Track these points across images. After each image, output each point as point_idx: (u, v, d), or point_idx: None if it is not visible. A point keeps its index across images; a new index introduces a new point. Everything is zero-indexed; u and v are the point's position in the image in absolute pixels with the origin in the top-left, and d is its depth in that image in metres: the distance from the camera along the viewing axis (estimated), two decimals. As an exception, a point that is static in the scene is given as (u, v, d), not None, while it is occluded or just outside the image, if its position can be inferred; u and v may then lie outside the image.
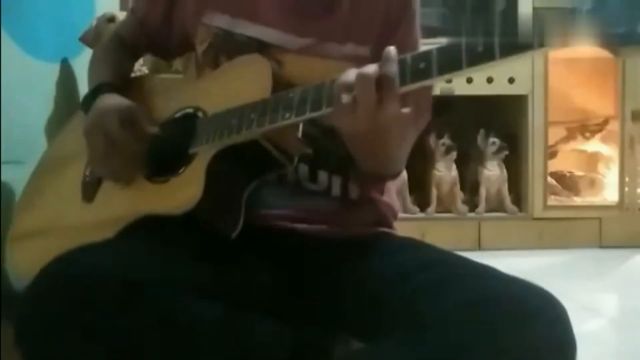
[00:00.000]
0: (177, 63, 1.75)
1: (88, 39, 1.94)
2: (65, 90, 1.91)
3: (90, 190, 1.12)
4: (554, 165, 3.27)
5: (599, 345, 1.78)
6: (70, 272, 0.82)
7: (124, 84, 1.17)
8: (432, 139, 3.05)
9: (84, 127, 1.08)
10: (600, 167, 3.31)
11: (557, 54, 2.79)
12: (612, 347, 1.85)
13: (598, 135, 3.27)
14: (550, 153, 3.19)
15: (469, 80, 2.88)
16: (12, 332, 0.82)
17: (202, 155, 0.97)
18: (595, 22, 0.75)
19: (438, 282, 0.86)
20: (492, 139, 3.08)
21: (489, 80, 2.93)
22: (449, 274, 0.89)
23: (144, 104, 1.13)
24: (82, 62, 1.79)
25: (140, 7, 1.24)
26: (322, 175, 1.06)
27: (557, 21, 0.77)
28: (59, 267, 0.84)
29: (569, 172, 3.33)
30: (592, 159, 3.33)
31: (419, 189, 3.16)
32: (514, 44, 0.76)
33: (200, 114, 1.04)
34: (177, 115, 1.08)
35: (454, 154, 3.06)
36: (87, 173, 1.13)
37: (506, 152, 3.09)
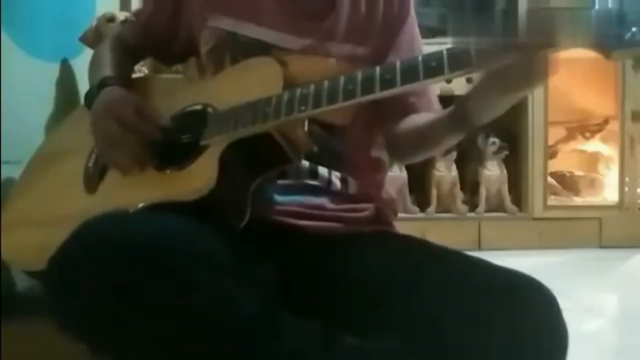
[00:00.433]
0: (178, 63, 1.75)
1: (88, 39, 1.94)
2: (65, 90, 1.91)
3: (93, 181, 1.12)
4: (554, 165, 3.27)
5: (599, 345, 1.77)
6: (111, 236, 0.82)
7: (126, 84, 1.17)
8: (432, 139, 3.04)
9: (93, 114, 1.09)
10: (600, 167, 3.31)
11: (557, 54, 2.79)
12: (612, 347, 1.85)
13: (598, 135, 3.27)
14: (550, 153, 3.19)
15: (469, 80, 2.88)
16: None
17: (214, 147, 0.98)
18: (587, 25, 0.76)
19: (436, 278, 0.89)
20: (492, 139, 3.08)
21: (489, 80, 2.92)
22: (447, 269, 0.92)
23: (147, 103, 1.14)
24: (82, 62, 1.79)
25: (145, 11, 1.26)
26: (323, 171, 1.08)
27: (551, 22, 0.78)
28: (96, 228, 0.84)
29: (569, 172, 3.33)
30: (592, 159, 3.33)
31: (419, 189, 3.16)
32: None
33: (210, 110, 1.05)
34: (187, 110, 1.09)
35: (454, 154, 3.06)
36: (90, 164, 1.14)
37: (506, 152, 3.09)
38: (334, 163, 1.09)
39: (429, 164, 3.10)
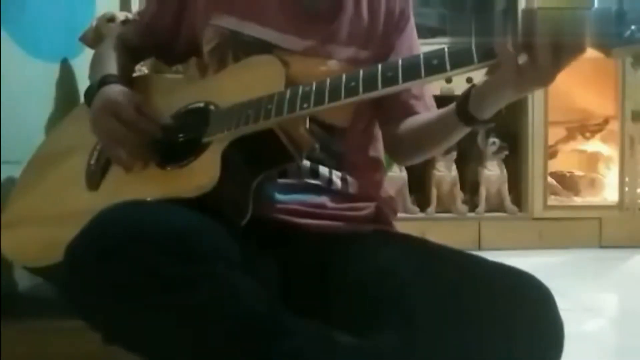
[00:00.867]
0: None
1: (88, 39, 1.93)
2: (65, 90, 1.90)
3: (95, 178, 1.12)
4: (554, 165, 3.27)
5: (599, 345, 1.78)
6: (131, 223, 0.83)
7: (127, 82, 1.17)
8: (432, 139, 3.04)
9: (93, 111, 1.09)
10: (600, 167, 3.31)
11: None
12: (612, 347, 1.85)
13: (598, 135, 3.27)
14: (550, 153, 3.19)
15: (469, 80, 2.88)
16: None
17: (217, 144, 0.98)
18: (587, 24, 0.77)
19: (435, 276, 0.90)
20: (492, 139, 3.08)
21: (489, 80, 2.92)
22: (447, 267, 0.93)
23: (147, 102, 1.14)
24: (82, 62, 1.79)
25: (149, 11, 1.27)
26: (323, 171, 1.08)
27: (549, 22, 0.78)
28: (122, 215, 0.85)
29: (569, 172, 3.33)
30: (592, 159, 3.33)
31: (419, 189, 3.16)
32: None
33: (212, 108, 1.06)
34: (189, 107, 1.10)
35: (454, 154, 3.06)
36: (92, 162, 1.14)
37: (506, 152, 3.09)
38: (333, 163, 1.10)
39: (429, 164, 3.10)
